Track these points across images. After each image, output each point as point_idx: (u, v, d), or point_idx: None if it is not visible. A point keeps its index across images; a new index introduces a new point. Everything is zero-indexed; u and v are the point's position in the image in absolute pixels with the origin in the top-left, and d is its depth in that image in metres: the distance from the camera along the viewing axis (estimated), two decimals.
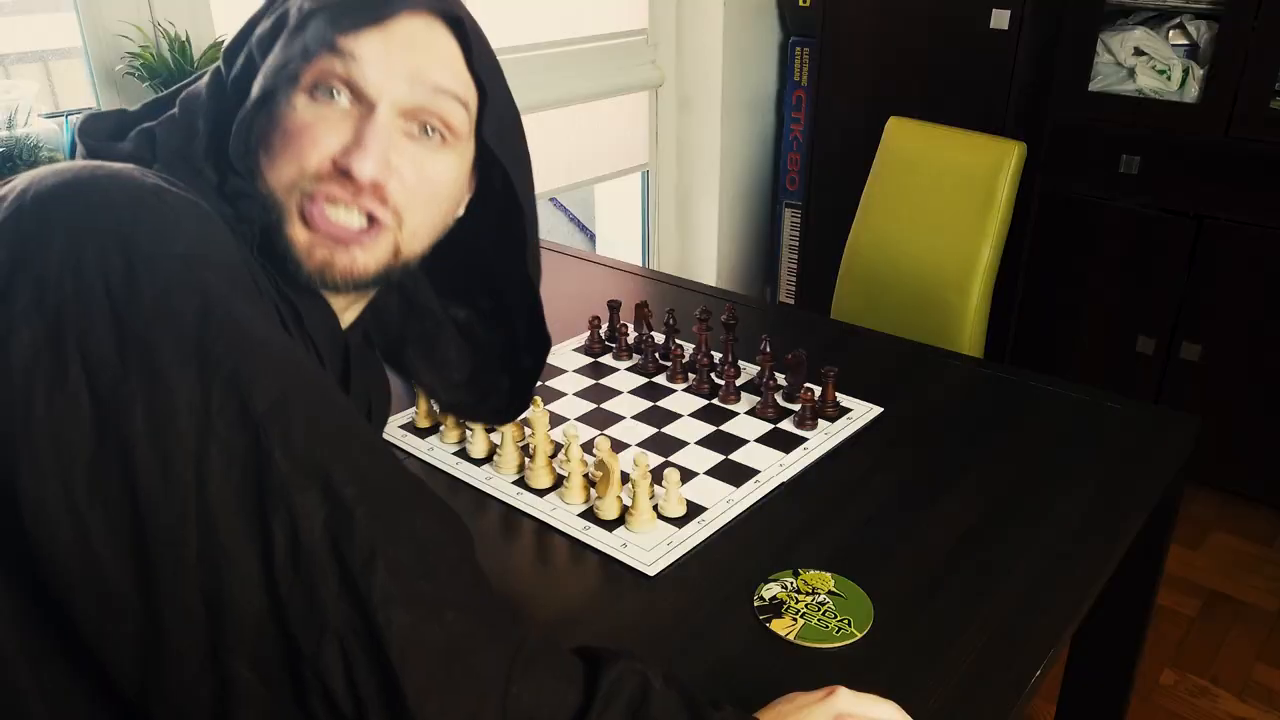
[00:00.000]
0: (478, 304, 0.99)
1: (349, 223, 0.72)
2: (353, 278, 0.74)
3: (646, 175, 2.83)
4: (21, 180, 0.60)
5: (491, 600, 0.60)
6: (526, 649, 0.59)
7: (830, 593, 0.87)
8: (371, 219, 0.73)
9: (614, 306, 1.35)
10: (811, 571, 0.90)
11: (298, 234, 0.72)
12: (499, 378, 1.00)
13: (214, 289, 0.57)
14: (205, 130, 0.72)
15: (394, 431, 1.13)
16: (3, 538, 0.55)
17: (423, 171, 0.74)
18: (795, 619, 0.84)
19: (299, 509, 0.53)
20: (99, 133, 0.73)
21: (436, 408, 1.11)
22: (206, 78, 0.75)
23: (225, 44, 0.76)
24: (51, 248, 0.55)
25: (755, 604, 0.86)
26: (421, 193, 0.75)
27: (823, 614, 0.84)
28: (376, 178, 0.71)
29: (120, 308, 0.54)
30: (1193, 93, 2.19)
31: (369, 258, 0.74)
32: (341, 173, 0.70)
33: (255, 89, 0.72)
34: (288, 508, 0.53)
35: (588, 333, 1.35)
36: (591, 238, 3.12)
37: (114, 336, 0.54)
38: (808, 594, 0.87)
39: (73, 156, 0.75)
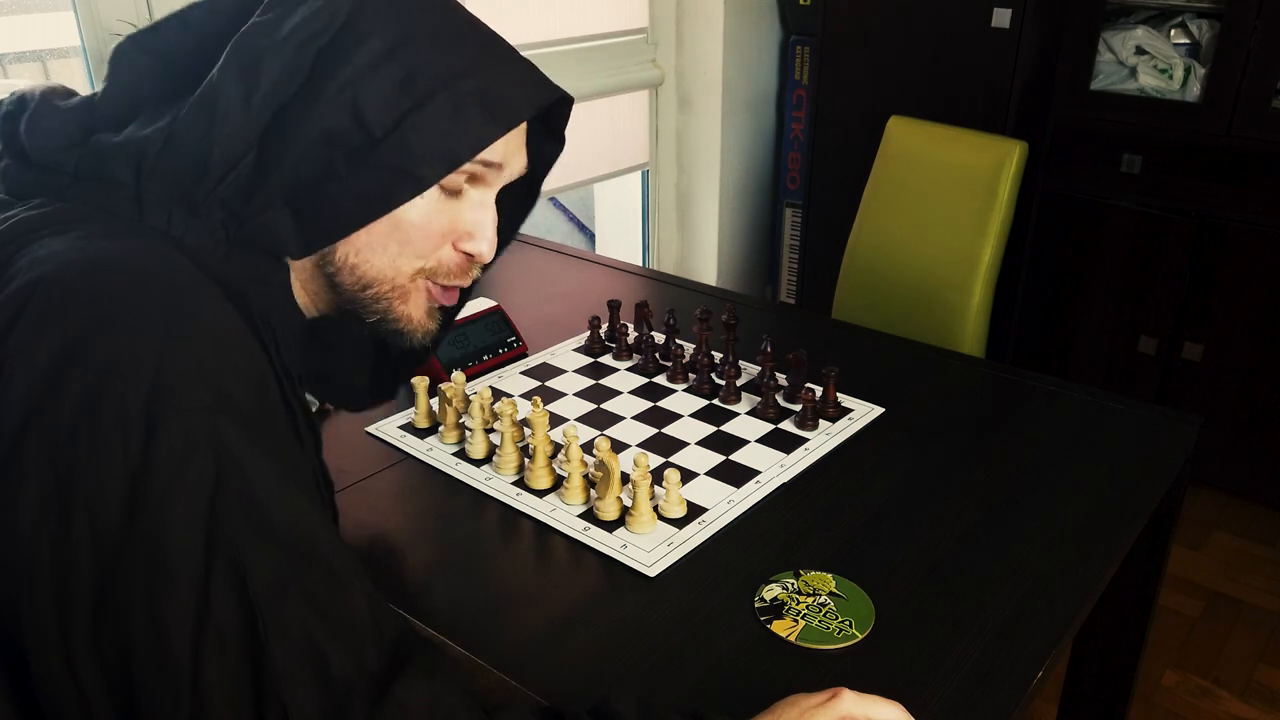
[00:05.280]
0: None
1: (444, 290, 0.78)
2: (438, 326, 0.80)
3: (646, 175, 2.82)
4: (23, 279, 0.55)
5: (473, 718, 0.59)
6: None
7: (831, 594, 0.87)
8: None
9: (614, 306, 1.35)
10: (812, 572, 0.89)
11: (414, 313, 0.76)
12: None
13: (231, 446, 0.54)
14: (218, 171, 0.64)
15: (393, 432, 1.12)
16: (14, 667, 0.55)
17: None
18: (796, 620, 0.83)
19: (291, 700, 0.52)
20: (54, 146, 0.64)
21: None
22: (204, 108, 0.63)
23: (216, 77, 0.64)
24: (66, 395, 0.52)
25: (756, 605, 0.85)
26: None
27: (824, 615, 0.84)
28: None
29: (135, 470, 0.52)
30: (1194, 92, 2.18)
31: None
32: (463, 254, 0.76)
33: (359, 167, 0.66)
34: (281, 699, 0.52)
35: (588, 333, 1.35)
36: (591, 237, 3.11)
37: (124, 501, 0.51)
38: (809, 595, 0.86)
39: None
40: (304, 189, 0.66)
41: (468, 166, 0.71)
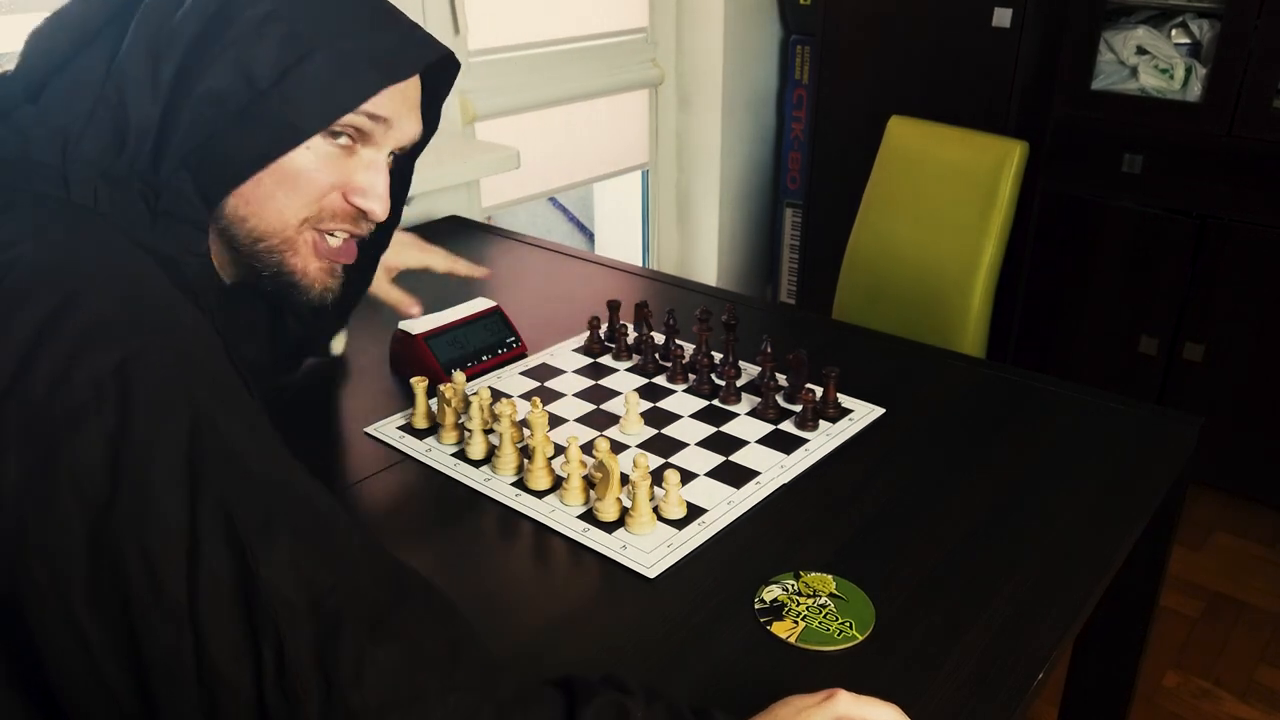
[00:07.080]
0: None
1: (338, 244, 0.81)
2: (339, 289, 0.83)
3: (646, 174, 2.82)
4: None
5: (480, 657, 0.60)
6: (514, 699, 0.59)
7: (831, 595, 0.86)
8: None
9: (614, 306, 1.34)
10: (813, 574, 0.89)
11: (308, 266, 0.79)
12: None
13: (202, 404, 0.57)
14: (135, 144, 0.67)
15: (391, 433, 1.12)
16: (14, 649, 0.56)
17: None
18: (796, 621, 0.83)
19: (285, 627, 0.53)
20: None
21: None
22: (118, 87, 0.67)
23: (130, 46, 0.68)
24: (37, 369, 0.54)
25: (756, 606, 0.85)
26: None
27: (824, 616, 0.84)
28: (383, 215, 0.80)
29: (113, 434, 0.54)
30: (1195, 92, 2.18)
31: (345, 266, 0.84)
32: (355, 209, 0.79)
33: (247, 119, 0.70)
34: (274, 626, 0.53)
35: (587, 333, 1.34)
36: (591, 237, 3.11)
37: (107, 464, 0.53)
38: (809, 596, 0.86)
39: None
40: (198, 149, 0.69)
41: (353, 119, 0.74)
